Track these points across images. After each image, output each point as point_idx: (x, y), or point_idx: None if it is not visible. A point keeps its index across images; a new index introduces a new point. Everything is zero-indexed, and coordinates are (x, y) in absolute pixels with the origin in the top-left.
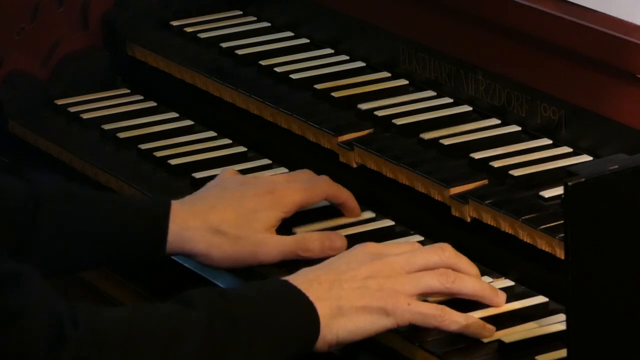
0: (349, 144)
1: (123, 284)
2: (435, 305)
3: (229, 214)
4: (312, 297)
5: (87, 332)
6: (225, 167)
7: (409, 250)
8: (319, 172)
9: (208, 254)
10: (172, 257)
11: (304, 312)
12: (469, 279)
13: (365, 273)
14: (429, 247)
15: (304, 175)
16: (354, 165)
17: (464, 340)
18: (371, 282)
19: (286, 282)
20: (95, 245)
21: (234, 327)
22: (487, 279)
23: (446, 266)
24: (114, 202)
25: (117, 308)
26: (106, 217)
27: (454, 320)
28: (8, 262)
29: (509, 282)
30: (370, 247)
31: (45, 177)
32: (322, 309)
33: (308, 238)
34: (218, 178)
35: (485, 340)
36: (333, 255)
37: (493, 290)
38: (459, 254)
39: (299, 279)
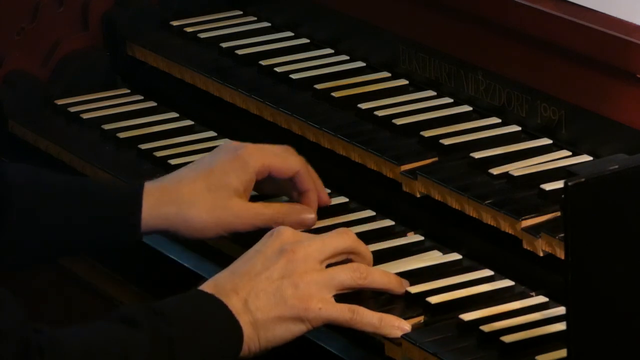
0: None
1: (123, 284)
2: (347, 307)
3: (199, 184)
4: (233, 310)
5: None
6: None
7: (319, 236)
8: (321, 173)
9: (188, 227)
10: (170, 256)
11: (230, 329)
12: (379, 274)
13: (280, 272)
14: (334, 233)
15: (282, 147)
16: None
17: (463, 340)
18: (285, 284)
19: (213, 297)
20: (69, 235)
21: (172, 348)
22: (486, 275)
23: (351, 249)
24: (87, 188)
25: (75, 329)
26: (79, 205)
27: (366, 321)
28: None
29: (509, 282)
30: (284, 235)
31: (15, 166)
32: (243, 323)
33: (283, 213)
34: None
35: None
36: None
37: (398, 281)
38: (357, 237)
39: (222, 292)
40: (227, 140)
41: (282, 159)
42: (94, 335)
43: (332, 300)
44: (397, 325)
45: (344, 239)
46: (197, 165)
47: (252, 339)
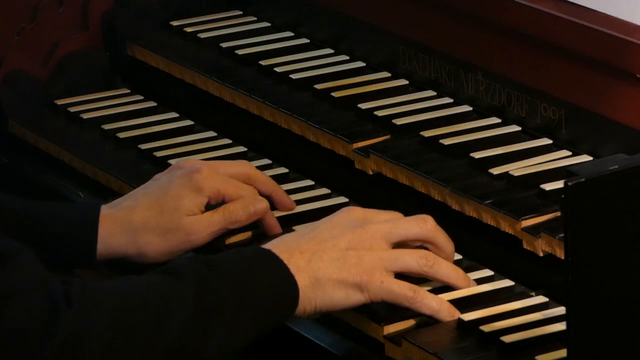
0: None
1: None
2: (409, 285)
3: (152, 211)
4: (292, 268)
5: (81, 308)
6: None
7: (391, 219)
8: (321, 172)
9: (141, 254)
10: None
11: (286, 286)
12: (446, 266)
13: (346, 243)
14: (412, 218)
15: (238, 167)
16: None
17: (463, 340)
18: (351, 253)
19: (270, 252)
20: None
21: (220, 301)
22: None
23: (426, 239)
24: (43, 213)
25: (111, 281)
26: (36, 229)
27: (426, 303)
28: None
29: (509, 282)
30: (355, 212)
31: None
32: (302, 281)
33: (233, 211)
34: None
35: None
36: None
37: (466, 279)
38: (439, 227)
39: (282, 247)
40: (226, 139)
41: (235, 188)
42: (133, 285)
43: (394, 277)
44: (453, 313)
45: (419, 225)
46: (151, 190)
47: (309, 298)
